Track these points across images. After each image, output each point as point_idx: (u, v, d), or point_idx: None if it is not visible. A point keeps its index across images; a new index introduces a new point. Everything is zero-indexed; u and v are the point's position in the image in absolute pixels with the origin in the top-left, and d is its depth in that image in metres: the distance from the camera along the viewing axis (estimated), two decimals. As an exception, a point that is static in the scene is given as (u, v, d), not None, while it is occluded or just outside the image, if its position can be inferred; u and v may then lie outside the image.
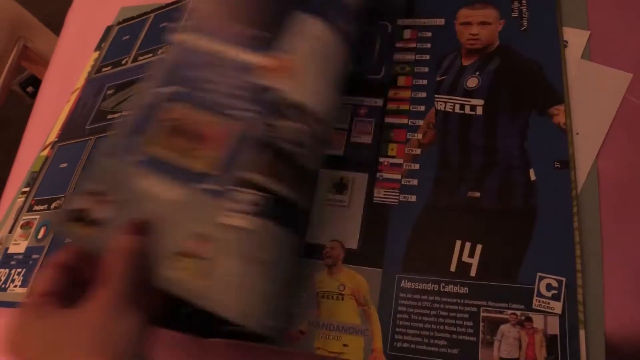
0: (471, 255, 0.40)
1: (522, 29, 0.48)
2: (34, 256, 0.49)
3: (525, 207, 0.41)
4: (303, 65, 0.36)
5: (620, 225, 0.39)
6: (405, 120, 0.47)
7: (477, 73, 0.47)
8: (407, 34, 0.51)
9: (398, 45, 0.51)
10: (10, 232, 0.53)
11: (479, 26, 0.49)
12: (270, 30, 0.37)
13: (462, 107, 0.46)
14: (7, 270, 0.50)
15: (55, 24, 0.99)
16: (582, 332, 0.36)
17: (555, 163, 0.41)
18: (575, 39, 0.48)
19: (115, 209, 0.34)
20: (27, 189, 0.56)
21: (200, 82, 0.36)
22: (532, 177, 0.41)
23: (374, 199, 0.44)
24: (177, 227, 0.33)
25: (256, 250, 0.33)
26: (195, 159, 0.34)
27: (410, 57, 0.50)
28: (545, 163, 0.42)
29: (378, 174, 0.45)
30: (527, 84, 0.46)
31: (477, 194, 0.42)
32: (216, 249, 0.32)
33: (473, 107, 0.46)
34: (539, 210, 0.40)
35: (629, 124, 0.43)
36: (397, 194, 0.43)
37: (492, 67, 0.47)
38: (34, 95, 1.37)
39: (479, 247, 0.40)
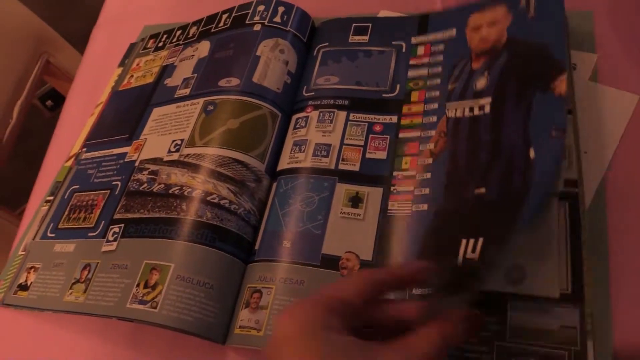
0: (474, 250, 0.39)
1: (529, 16, 0.47)
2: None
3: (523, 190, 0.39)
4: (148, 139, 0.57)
5: (627, 241, 0.41)
6: (418, 133, 0.48)
7: (486, 72, 0.47)
8: (420, 50, 0.53)
9: (412, 62, 0.53)
10: (34, 239, 0.55)
11: (488, 28, 0.50)
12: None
13: (471, 109, 0.46)
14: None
15: (76, 40, 1.02)
16: (590, 344, 0.37)
17: (552, 132, 0.39)
18: (583, 62, 0.49)
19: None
20: (51, 198, 0.58)
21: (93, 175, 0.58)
22: (532, 155, 0.40)
23: (388, 211, 0.45)
24: (77, 263, 0.50)
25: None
26: (87, 220, 0.53)
27: (423, 72, 0.52)
28: (543, 133, 0.40)
29: (392, 188, 0.46)
30: (532, 64, 0.45)
31: (483, 190, 0.41)
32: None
33: (482, 107, 0.45)
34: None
35: (636, 144, 0.44)
36: (410, 204, 0.45)
37: (500, 63, 0.47)
38: (52, 109, 1.41)
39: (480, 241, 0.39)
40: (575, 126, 0.45)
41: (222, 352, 0.45)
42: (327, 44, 0.57)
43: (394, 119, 0.50)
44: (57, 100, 1.37)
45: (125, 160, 0.55)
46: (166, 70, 0.62)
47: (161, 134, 0.55)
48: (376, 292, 0.33)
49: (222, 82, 0.55)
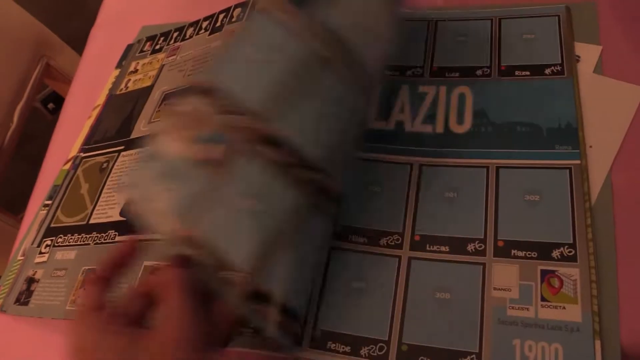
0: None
1: None
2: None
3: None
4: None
5: (635, 236, 0.40)
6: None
7: None
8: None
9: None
10: (33, 244, 0.55)
11: None
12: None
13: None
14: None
15: (76, 43, 1.02)
16: (597, 343, 0.36)
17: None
18: (587, 53, 0.48)
19: None
20: (49, 202, 0.58)
21: None
22: None
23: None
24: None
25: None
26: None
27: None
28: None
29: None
30: None
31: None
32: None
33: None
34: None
35: (642, 137, 0.43)
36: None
37: None
38: (54, 112, 1.41)
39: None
40: (579, 119, 0.44)
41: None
42: None
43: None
44: (58, 103, 1.37)
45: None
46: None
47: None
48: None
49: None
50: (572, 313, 0.37)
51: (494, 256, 0.40)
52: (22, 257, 0.55)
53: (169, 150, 0.35)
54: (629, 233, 0.40)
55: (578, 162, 0.42)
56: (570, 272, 0.38)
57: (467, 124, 0.47)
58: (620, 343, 0.36)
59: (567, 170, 0.42)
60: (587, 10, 0.51)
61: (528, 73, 0.48)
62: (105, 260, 0.36)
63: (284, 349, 0.39)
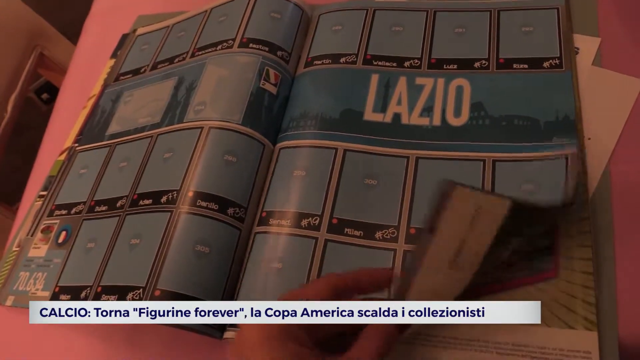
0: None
1: None
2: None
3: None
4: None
5: (633, 229, 0.40)
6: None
7: None
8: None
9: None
10: (28, 234, 0.55)
11: None
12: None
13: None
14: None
15: (71, 32, 1.01)
16: (594, 334, 0.36)
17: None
18: (586, 45, 0.48)
19: None
20: (44, 193, 0.58)
21: None
22: None
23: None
24: None
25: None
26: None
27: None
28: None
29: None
30: None
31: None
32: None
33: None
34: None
35: (640, 130, 0.43)
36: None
37: None
38: (48, 102, 1.40)
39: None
40: (578, 112, 0.44)
41: (221, 347, 0.44)
42: None
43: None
44: (53, 93, 1.36)
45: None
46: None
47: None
48: (337, 297, 0.34)
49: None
50: (569, 306, 0.37)
51: (491, 249, 0.40)
52: (17, 248, 0.54)
53: None
54: (627, 225, 0.40)
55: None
56: (568, 265, 0.38)
57: (465, 117, 0.47)
58: (618, 335, 0.36)
59: (565, 163, 0.42)
60: (586, 2, 0.50)
61: (526, 66, 0.48)
62: (353, 274, 0.35)
63: None
